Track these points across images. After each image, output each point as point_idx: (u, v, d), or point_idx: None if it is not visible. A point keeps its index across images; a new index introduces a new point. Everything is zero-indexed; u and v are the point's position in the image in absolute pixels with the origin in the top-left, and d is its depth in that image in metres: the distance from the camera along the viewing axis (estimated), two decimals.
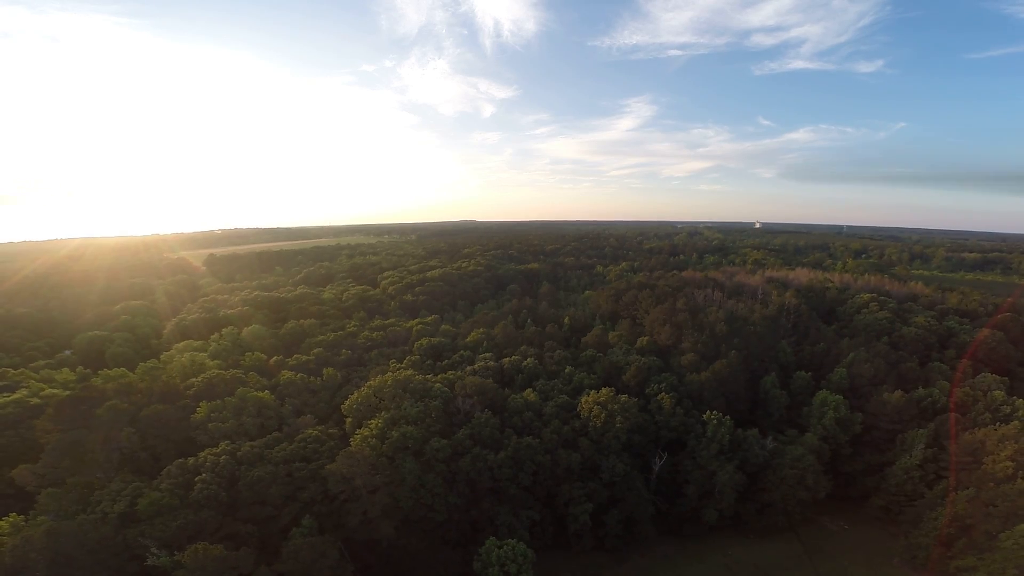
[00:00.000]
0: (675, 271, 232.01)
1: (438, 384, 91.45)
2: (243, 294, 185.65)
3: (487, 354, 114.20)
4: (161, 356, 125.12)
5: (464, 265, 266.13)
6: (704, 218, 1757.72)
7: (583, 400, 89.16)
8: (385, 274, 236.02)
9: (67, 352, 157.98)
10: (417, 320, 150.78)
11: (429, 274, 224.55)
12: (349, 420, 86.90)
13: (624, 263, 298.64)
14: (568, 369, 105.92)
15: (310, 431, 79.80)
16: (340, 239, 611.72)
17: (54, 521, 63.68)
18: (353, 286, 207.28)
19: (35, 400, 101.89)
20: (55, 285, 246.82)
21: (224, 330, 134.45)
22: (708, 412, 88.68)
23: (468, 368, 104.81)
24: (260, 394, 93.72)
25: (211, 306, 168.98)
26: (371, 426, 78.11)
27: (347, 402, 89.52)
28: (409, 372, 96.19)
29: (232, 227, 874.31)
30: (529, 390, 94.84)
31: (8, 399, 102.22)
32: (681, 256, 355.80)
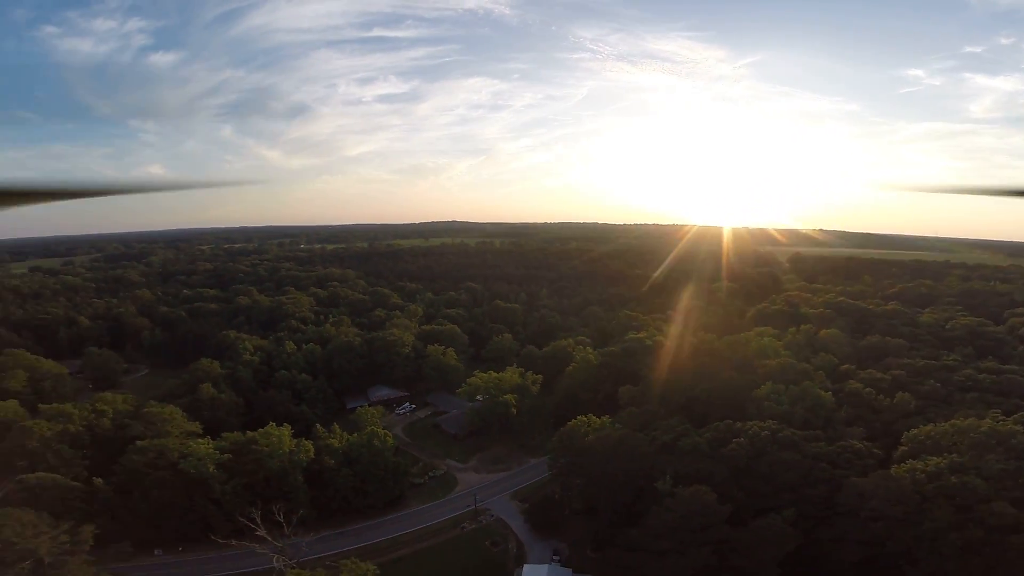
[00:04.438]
0: None
1: None
2: (826, 297, 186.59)
3: None
4: (742, 334, 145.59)
5: None
6: None
7: None
8: (1019, 310, 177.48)
9: (671, 311, 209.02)
10: None
11: None
12: (903, 448, 78.74)
13: None
14: None
15: (854, 442, 79.20)
16: (951, 255, 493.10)
17: (625, 430, 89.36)
18: (964, 316, 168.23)
19: (649, 342, 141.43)
20: (680, 259, 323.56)
21: (802, 327, 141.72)
22: None
23: None
24: (822, 393, 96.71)
25: (793, 302, 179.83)
26: (928, 462, 69.56)
27: (914, 431, 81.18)
28: (1015, 427, 74.55)
29: (817, 228, 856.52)
30: None
31: (635, 336, 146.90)
32: None
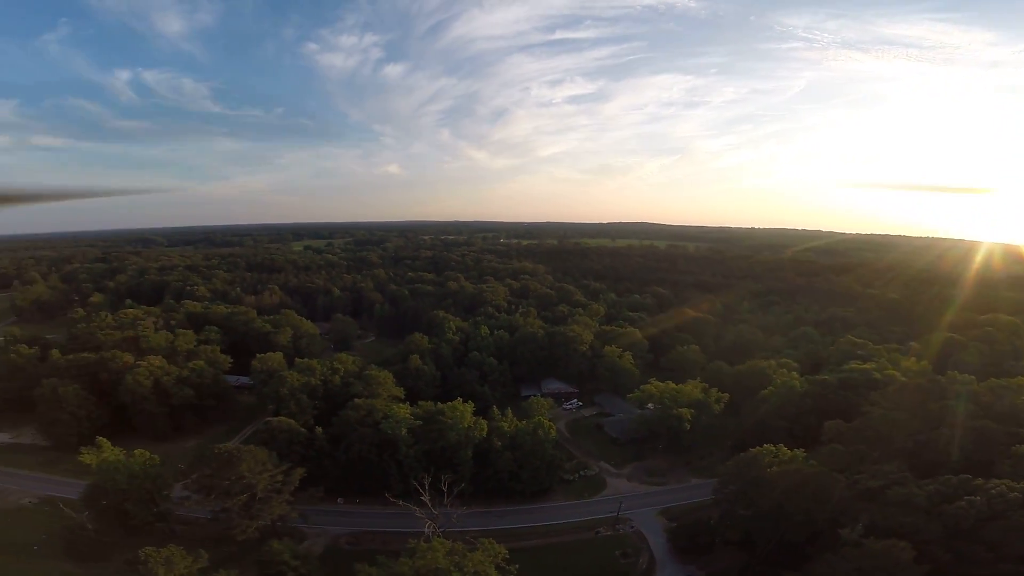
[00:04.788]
0: None
1: None
2: None
3: None
4: (1016, 379, 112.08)
5: None
6: None
7: None
8: None
9: (912, 343, 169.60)
10: None
11: None
12: None
13: None
14: None
15: None
16: None
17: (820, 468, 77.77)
18: None
19: (878, 375, 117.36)
20: (932, 280, 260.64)
21: None
22: None
23: None
24: None
25: None
26: None
27: None
28: None
29: None
30: None
31: (860, 366, 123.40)
32: None
